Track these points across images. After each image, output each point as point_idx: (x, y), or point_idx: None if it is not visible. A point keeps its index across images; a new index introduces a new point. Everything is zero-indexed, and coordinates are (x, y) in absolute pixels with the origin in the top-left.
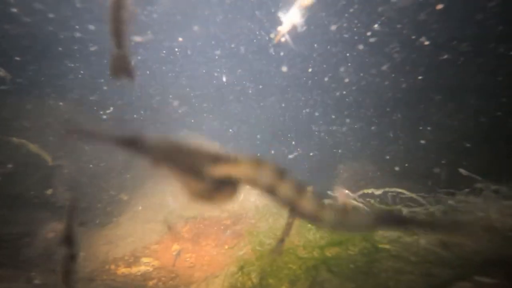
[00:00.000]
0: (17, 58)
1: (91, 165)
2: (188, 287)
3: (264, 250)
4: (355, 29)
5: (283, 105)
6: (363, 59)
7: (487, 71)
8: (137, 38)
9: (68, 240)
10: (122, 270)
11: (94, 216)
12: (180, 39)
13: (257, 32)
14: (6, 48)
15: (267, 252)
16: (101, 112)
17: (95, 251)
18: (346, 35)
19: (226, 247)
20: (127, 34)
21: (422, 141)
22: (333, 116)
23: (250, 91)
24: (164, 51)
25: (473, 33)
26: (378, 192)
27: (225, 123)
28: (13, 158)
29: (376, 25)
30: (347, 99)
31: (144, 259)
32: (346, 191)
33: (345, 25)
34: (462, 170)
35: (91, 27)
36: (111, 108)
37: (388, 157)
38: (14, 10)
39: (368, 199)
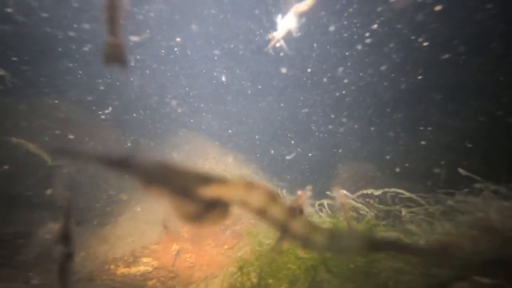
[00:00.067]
0: (14, 58)
1: (90, 165)
2: (188, 287)
3: (263, 250)
4: (354, 29)
5: (282, 105)
6: (363, 58)
7: (487, 71)
8: (137, 38)
9: (65, 238)
10: (122, 270)
11: (94, 216)
12: (178, 39)
13: (257, 32)
14: (4, 48)
15: (266, 252)
16: (100, 112)
17: (94, 251)
18: (345, 35)
19: (226, 247)
20: (121, 22)
21: (422, 141)
22: (333, 116)
23: (249, 91)
24: (163, 51)
25: (473, 33)
26: (377, 192)
27: (224, 122)
28: (13, 158)
29: (375, 25)
30: (347, 99)
31: (144, 259)
32: (344, 192)
33: (344, 24)
34: (461, 170)
35: (88, 26)
36: (110, 108)
37: (387, 157)
38: (9, 10)
39: (367, 200)
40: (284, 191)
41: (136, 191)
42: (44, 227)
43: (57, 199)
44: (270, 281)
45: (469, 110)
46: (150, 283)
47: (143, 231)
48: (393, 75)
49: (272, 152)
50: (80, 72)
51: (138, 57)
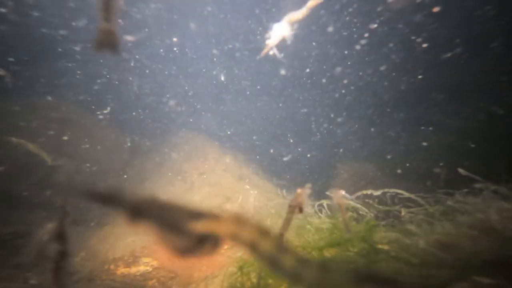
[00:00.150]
0: (11, 59)
1: (89, 165)
2: (187, 287)
3: None
4: (354, 29)
5: (281, 104)
6: (363, 58)
7: (487, 71)
8: (135, 37)
9: (59, 237)
10: (122, 270)
11: (93, 216)
12: (175, 39)
13: (257, 32)
14: (4, 48)
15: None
16: (99, 112)
17: (94, 251)
18: (345, 33)
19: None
20: (116, 8)
21: (422, 141)
22: (332, 116)
23: (248, 91)
24: (162, 50)
25: (473, 33)
26: (377, 193)
27: (224, 122)
28: (12, 158)
29: (375, 25)
30: (347, 98)
31: (144, 259)
32: (343, 193)
33: (344, 23)
34: (461, 170)
35: (87, 26)
36: (108, 108)
37: (388, 157)
38: (5, 10)
39: (367, 200)
40: (284, 191)
41: (136, 191)
42: (44, 227)
43: (56, 199)
44: (270, 281)
45: (469, 110)
46: (150, 283)
47: (143, 231)
48: (393, 74)
49: (272, 152)
50: (79, 72)
51: (137, 56)
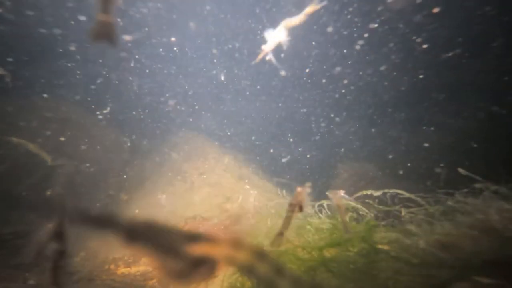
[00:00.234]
0: (10, 59)
1: (89, 165)
2: (187, 287)
3: None
4: (354, 29)
5: (281, 104)
6: (363, 58)
7: (487, 71)
8: (136, 37)
9: (59, 237)
10: (122, 270)
11: None
12: (174, 39)
13: (258, 31)
14: (4, 48)
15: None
16: (98, 112)
17: (94, 251)
18: (345, 33)
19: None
20: (114, 0)
21: (422, 141)
22: (333, 115)
23: (248, 91)
24: (161, 49)
25: (473, 33)
26: (377, 193)
27: (224, 122)
28: (12, 158)
29: (375, 25)
30: (347, 98)
31: (144, 259)
32: (342, 193)
33: (344, 23)
34: (461, 170)
35: (86, 25)
36: (108, 108)
37: (388, 157)
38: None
39: (367, 200)
40: (284, 191)
41: (136, 191)
42: (43, 227)
43: (56, 199)
44: None
45: (470, 110)
46: (150, 283)
47: None
48: (394, 73)
49: (272, 152)
50: (79, 72)
51: (137, 56)
